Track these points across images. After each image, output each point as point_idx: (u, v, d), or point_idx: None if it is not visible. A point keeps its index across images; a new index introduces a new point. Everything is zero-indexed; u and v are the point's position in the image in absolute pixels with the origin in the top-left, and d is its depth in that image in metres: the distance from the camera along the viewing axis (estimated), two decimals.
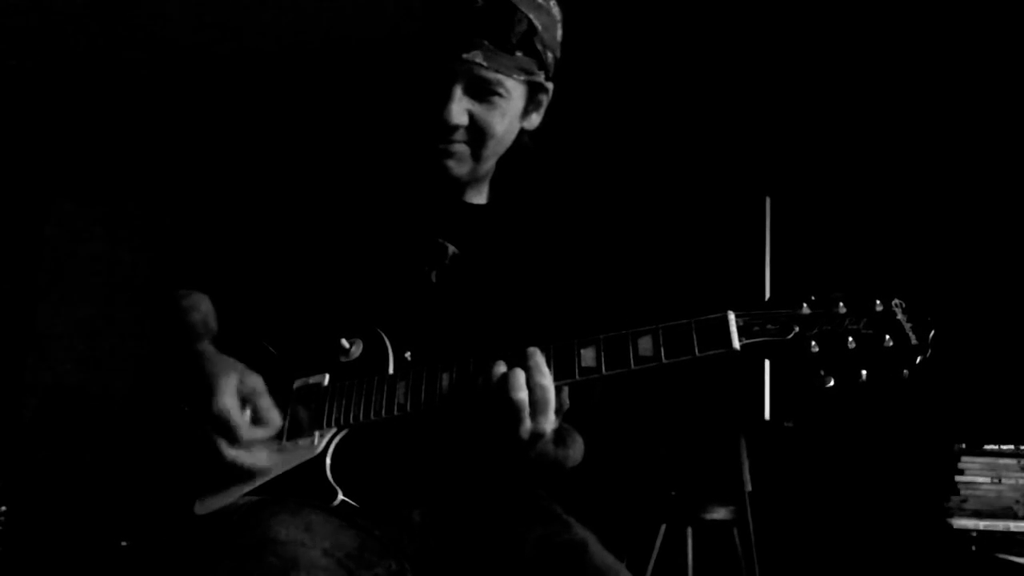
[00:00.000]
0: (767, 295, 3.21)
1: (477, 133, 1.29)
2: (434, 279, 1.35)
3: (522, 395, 1.10)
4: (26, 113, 4.65)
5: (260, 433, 1.21)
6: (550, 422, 1.12)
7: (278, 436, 1.24)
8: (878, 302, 1.08)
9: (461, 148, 1.31)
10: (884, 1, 3.15)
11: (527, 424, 1.11)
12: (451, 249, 1.37)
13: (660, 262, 3.80)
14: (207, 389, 1.19)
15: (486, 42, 1.23)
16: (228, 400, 1.18)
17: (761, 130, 4.01)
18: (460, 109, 1.26)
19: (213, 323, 1.34)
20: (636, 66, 3.80)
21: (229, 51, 3.92)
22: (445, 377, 1.18)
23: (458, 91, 1.26)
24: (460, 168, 1.33)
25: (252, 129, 4.63)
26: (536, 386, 1.11)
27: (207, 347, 1.27)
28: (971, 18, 3.11)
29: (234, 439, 1.19)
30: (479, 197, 1.44)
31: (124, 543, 1.31)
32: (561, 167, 1.47)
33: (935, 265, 3.23)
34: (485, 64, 1.24)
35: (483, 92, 1.27)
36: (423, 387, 1.19)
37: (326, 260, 1.36)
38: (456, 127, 1.27)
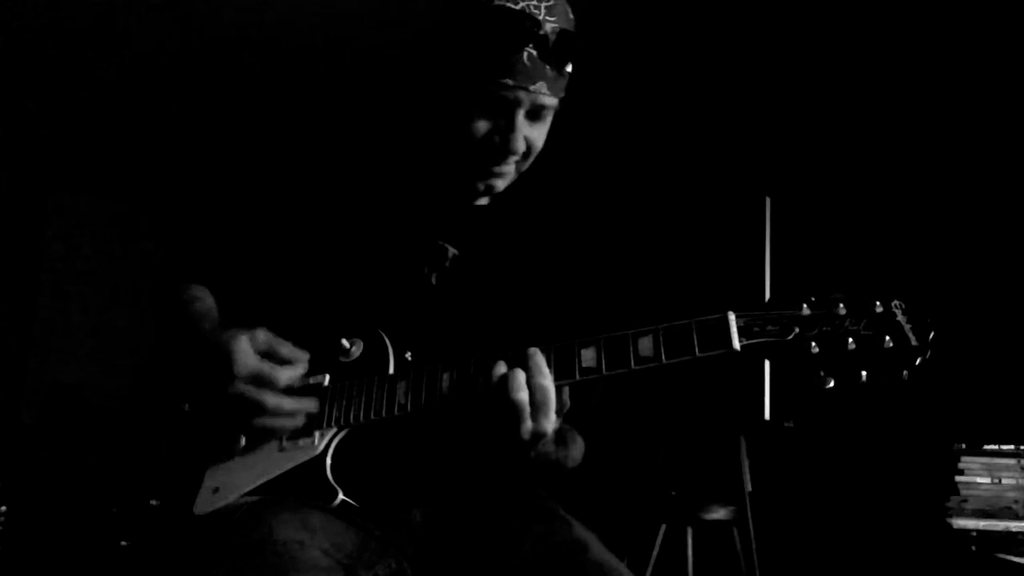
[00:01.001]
0: (767, 295, 3.19)
1: (528, 153, 1.31)
2: (434, 281, 1.35)
3: (523, 395, 1.10)
4: (27, 111, 4.65)
5: (295, 371, 1.21)
6: (551, 422, 1.12)
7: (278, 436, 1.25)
8: (878, 303, 1.08)
9: (512, 168, 1.32)
10: (884, 1, 3.15)
11: (528, 424, 1.11)
12: (451, 251, 1.37)
13: (660, 262, 3.80)
14: (224, 359, 1.18)
15: (548, 69, 1.24)
16: (249, 358, 1.18)
17: (761, 130, 4.01)
18: (522, 136, 1.27)
19: (216, 315, 1.34)
20: (637, 67, 3.80)
21: (233, 47, 3.92)
22: (446, 377, 1.18)
23: (521, 119, 1.26)
24: (504, 183, 1.34)
25: (254, 128, 4.63)
26: (536, 387, 1.11)
27: (207, 328, 1.27)
28: (971, 18, 3.11)
29: (275, 386, 1.18)
30: (482, 199, 1.44)
31: (124, 543, 1.31)
32: (562, 167, 1.47)
33: (935, 265, 3.23)
34: (549, 94, 1.26)
35: (537, 115, 1.29)
36: (423, 387, 1.19)
37: (326, 260, 1.36)
38: (518, 152, 1.28)
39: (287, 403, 1.19)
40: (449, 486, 1.33)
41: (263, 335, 1.21)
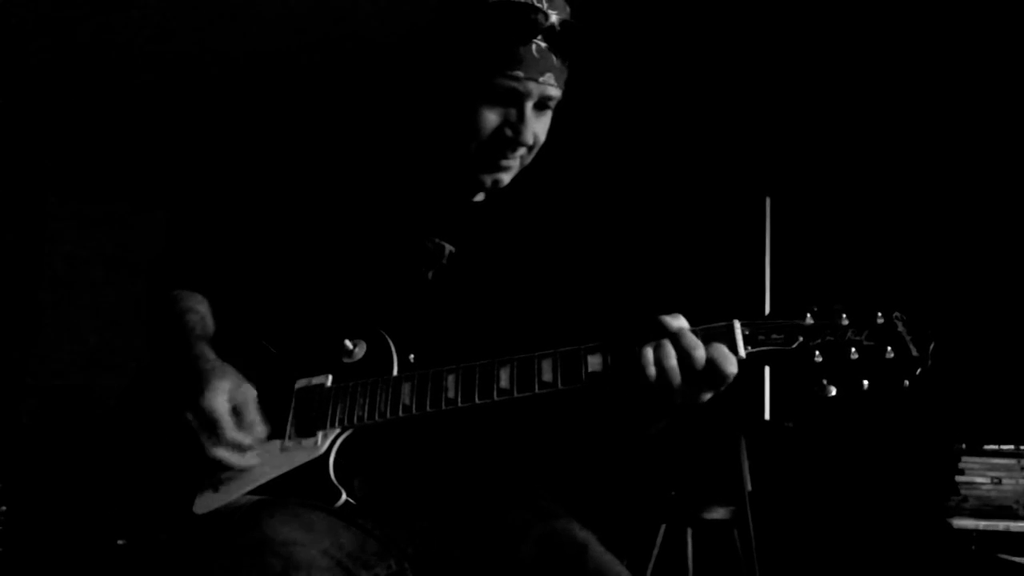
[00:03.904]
0: (767, 294, 3.18)
1: (533, 144, 1.31)
2: (431, 278, 1.35)
3: (734, 369, 1.09)
4: (27, 112, 4.65)
5: (243, 437, 1.21)
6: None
7: (280, 436, 1.25)
8: (879, 314, 1.09)
9: (517, 162, 1.32)
10: (884, 1, 3.16)
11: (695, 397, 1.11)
12: (448, 248, 1.37)
13: (659, 260, 3.81)
14: (198, 386, 1.20)
15: (555, 60, 1.25)
16: (218, 399, 1.19)
17: (761, 131, 4.01)
18: (532, 128, 1.27)
19: (211, 324, 1.34)
20: (636, 67, 3.80)
21: (230, 49, 3.92)
22: (451, 378, 1.18)
23: (530, 110, 1.26)
24: (509, 177, 1.34)
25: (252, 128, 4.63)
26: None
27: (205, 350, 1.27)
28: (971, 18, 3.11)
29: (217, 438, 1.19)
30: (480, 195, 1.44)
31: (120, 542, 1.31)
32: (560, 166, 1.47)
33: (935, 263, 3.23)
34: (556, 84, 1.26)
35: (543, 106, 1.29)
36: (428, 389, 1.19)
37: (324, 260, 1.36)
38: (528, 143, 1.28)
39: (225, 456, 1.20)
40: (450, 487, 1.33)
41: (245, 391, 1.22)
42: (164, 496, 1.28)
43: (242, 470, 1.22)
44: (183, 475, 1.27)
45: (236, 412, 1.21)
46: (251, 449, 1.21)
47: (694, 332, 1.10)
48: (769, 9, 3.31)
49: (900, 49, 3.37)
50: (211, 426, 1.19)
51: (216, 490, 1.24)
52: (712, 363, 1.07)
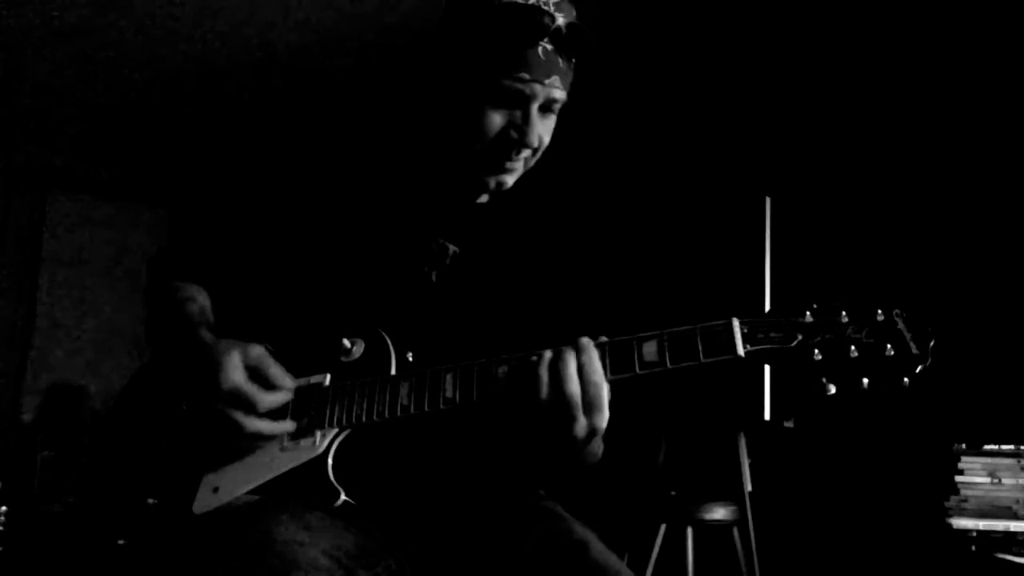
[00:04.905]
0: (767, 294, 3.18)
1: (538, 147, 1.31)
2: (434, 279, 1.35)
3: (575, 388, 1.09)
4: (27, 110, 4.65)
5: (277, 398, 1.21)
6: (604, 418, 1.10)
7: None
8: (879, 312, 1.08)
9: (522, 164, 1.32)
10: (884, 2, 3.16)
11: (581, 421, 1.09)
12: (452, 249, 1.37)
13: (660, 261, 3.80)
14: (212, 370, 1.19)
15: (561, 62, 1.25)
16: (236, 374, 1.18)
17: (761, 131, 4.01)
18: (537, 130, 1.27)
19: (210, 316, 1.34)
20: (638, 68, 3.80)
21: (234, 46, 3.92)
22: (449, 377, 1.18)
23: (535, 113, 1.26)
24: (513, 179, 1.34)
25: (254, 125, 4.63)
26: (589, 383, 1.10)
27: (206, 334, 1.26)
28: (971, 18, 3.11)
29: (251, 409, 1.18)
30: (483, 196, 1.44)
31: (121, 542, 1.31)
32: (563, 167, 1.47)
33: (935, 263, 3.23)
34: (561, 87, 1.26)
35: (548, 109, 1.29)
36: (427, 388, 1.19)
37: (327, 258, 1.36)
38: (533, 145, 1.28)
39: (264, 427, 1.20)
40: (450, 487, 1.33)
41: (256, 352, 1.21)
42: (164, 495, 1.28)
43: (273, 436, 1.22)
44: (192, 468, 1.27)
45: (256, 376, 1.20)
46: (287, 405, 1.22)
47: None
48: (769, 10, 3.31)
49: (900, 49, 3.37)
50: (240, 402, 1.18)
51: (215, 490, 1.24)
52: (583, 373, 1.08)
